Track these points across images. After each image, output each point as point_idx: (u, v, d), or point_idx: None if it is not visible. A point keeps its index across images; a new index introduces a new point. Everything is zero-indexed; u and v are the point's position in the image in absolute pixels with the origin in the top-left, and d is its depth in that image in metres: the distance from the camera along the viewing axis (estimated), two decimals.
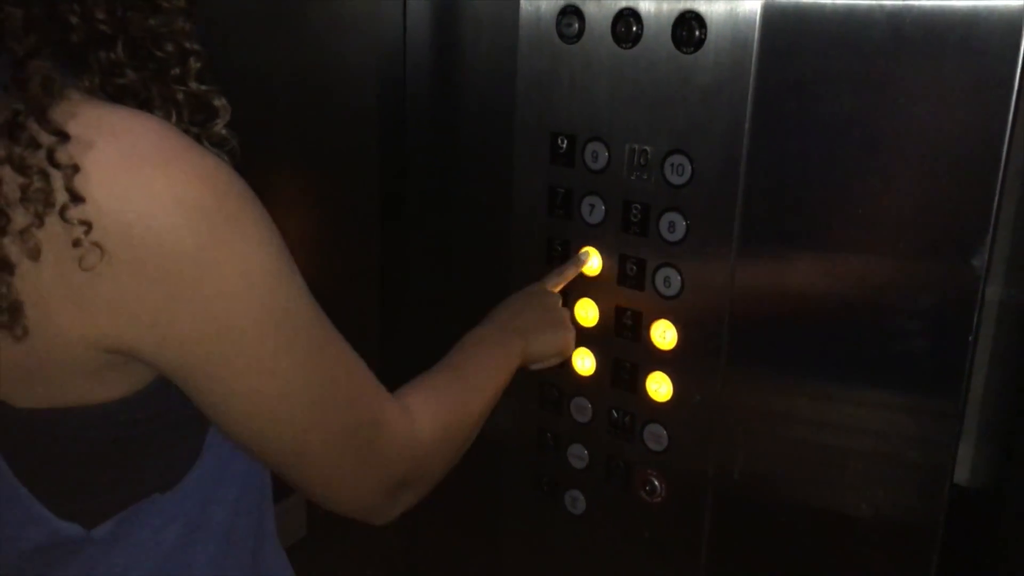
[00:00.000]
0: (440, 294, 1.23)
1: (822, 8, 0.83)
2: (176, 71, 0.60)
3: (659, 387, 1.00)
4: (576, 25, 0.95)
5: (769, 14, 0.85)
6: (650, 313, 0.98)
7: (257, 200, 0.58)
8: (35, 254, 0.51)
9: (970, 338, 0.80)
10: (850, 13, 0.81)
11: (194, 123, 0.61)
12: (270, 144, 1.02)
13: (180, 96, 0.61)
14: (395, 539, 1.27)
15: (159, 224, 0.52)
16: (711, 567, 1.01)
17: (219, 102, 0.63)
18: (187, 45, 0.60)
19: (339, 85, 1.13)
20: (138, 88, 0.58)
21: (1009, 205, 0.82)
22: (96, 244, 0.50)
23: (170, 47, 0.59)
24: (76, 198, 0.50)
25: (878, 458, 0.88)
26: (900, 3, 0.79)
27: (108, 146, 0.51)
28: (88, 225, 0.50)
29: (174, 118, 0.60)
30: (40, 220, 0.50)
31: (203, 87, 0.62)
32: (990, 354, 0.88)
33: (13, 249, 0.51)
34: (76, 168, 0.50)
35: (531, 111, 1.01)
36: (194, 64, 0.60)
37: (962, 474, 0.90)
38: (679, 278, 0.95)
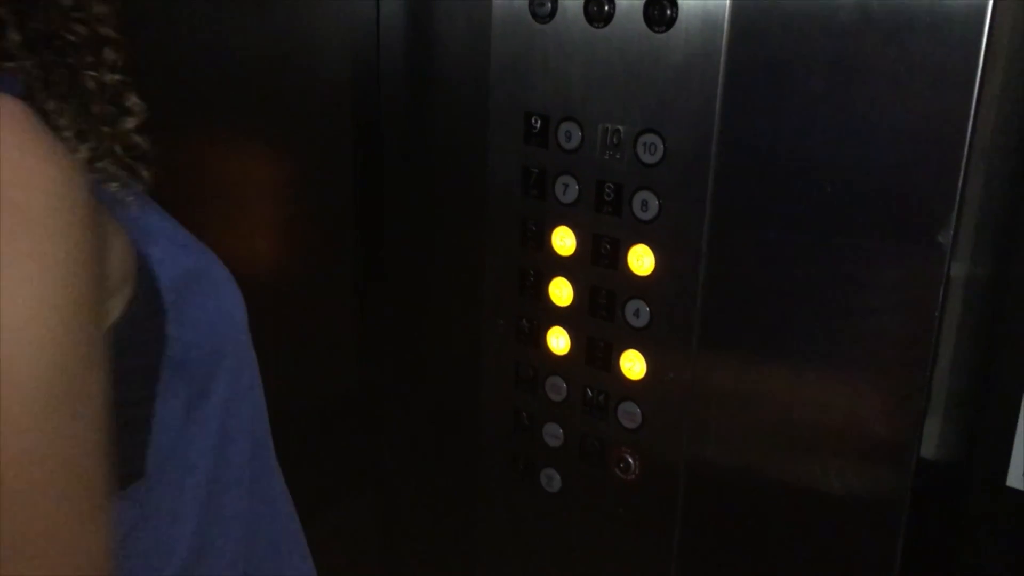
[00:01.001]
0: (416, 275, 1.23)
1: None
2: (89, 58, 0.56)
3: (633, 365, 1.00)
4: (549, 5, 0.96)
5: None
6: (624, 292, 0.99)
7: (72, 230, 0.49)
8: None
9: (936, 314, 0.82)
10: None
11: (104, 121, 0.57)
12: (238, 125, 1.02)
13: (91, 85, 0.56)
14: (368, 517, 1.28)
15: None
16: (685, 542, 1.03)
17: (131, 101, 0.59)
18: (102, 31, 0.56)
19: (311, 69, 1.13)
20: (32, 77, 0.53)
21: (975, 183, 0.83)
22: None
23: (82, 30, 0.55)
24: None
25: (847, 433, 0.89)
26: None
27: None
28: None
29: (72, 110, 0.55)
30: None
31: (116, 78, 0.57)
32: (956, 330, 0.89)
33: None
34: None
35: (505, 91, 1.01)
36: (109, 54, 0.57)
37: (929, 448, 0.92)
38: (652, 257, 0.96)
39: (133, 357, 0.60)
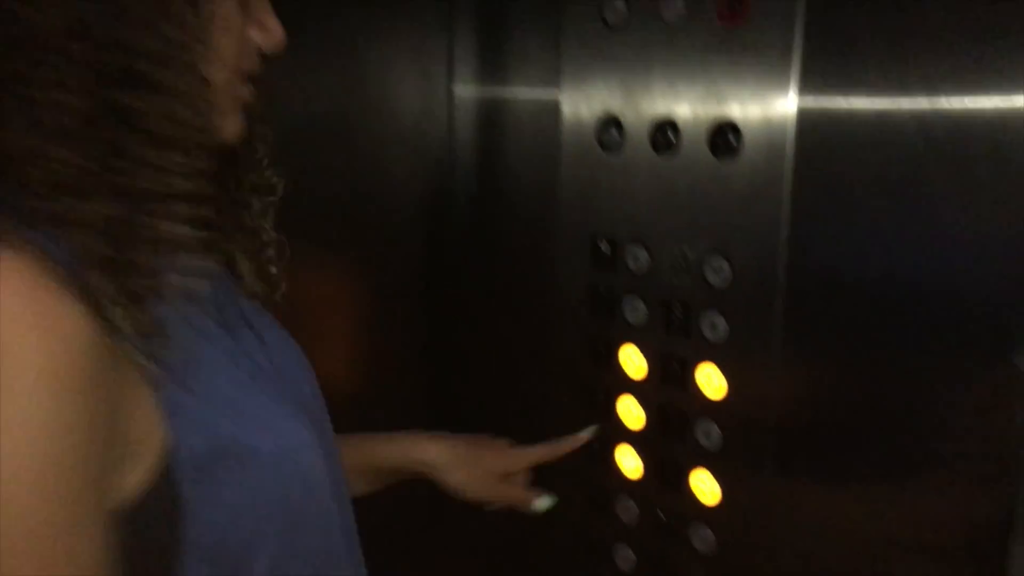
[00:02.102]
0: (485, 391, 1.24)
1: (854, 114, 0.86)
2: (162, 207, 0.55)
3: (706, 487, 0.99)
4: (615, 134, 0.99)
5: (803, 120, 0.88)
6: (694, 413, 0.99)
7: (90, 391, 0.51)
8: None
9: (1019, 436, 0.80)
10: (880, 118, 0.84)
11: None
12: (321, 246, 1.06)
13: (164, 231, 0.56)
14: None
15: None
16: None
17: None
18: (175, 183, 0.55)
19: (388, 192, 1.18)
20: (89, 245, 0.53)
21: None
22: None
23: (170, 182, 0.55)
24: None
25: (927, 559, 0.86)
26: (928, 108, 0.81)
27: None
28: None
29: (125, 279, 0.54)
30: None
31: (184, 233, 0.56)
32: None
33: None
34: None
35: (573, 216, 1.05)
36: (183, 208, 0.56)
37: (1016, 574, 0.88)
38: (722, 377, 0.96)
39: (148, 529, 0.58)
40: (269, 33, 0.66)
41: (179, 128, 0.56)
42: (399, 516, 1.27)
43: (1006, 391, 0.80)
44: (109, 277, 0.53)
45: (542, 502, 0.97)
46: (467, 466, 0.95)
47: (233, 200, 0.72)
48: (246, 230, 0.74)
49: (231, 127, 0.65)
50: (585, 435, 1.01)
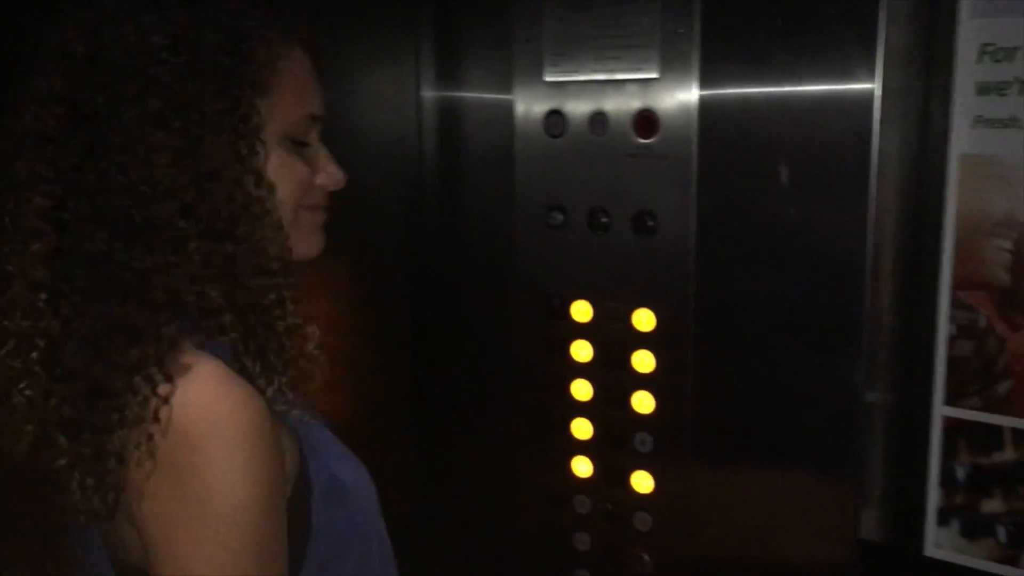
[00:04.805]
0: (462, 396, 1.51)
1: (747, 200, 1.17)
2: (277, 311, 0.81)
3: (642, 482, 1.30)
4: (560, 217, 1.28)
5: (703, 210, 1.19)
6: (631, 427, 1.29)
7: (269, 439, 0.75)
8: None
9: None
10: (767, 217, 1.16)
11: (285, 362, 0.81)
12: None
13: (280, 327, 0.80)
14: None
15: (187, 430, 0.72)
16: None
17: (309, 329, 0.82)
18: (288, 295, 0.81)
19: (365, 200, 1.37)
20: (236, 341, 0.79)
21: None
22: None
23: (272, 296, 0.80)
24: (157, 420, 0.72)
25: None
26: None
27: (182, 382, 0.73)
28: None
29: (265, 360, 0.80)
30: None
31: (296, 321, 0.82)
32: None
33: (128, 443, 0.72)
34: (166, 400, 0.72)
35: (526, 281, 1.34)
36: (289, 306, 0.81)
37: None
38: (653, 400, 1.27)
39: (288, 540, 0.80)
40: (333, 177, 0.90)
41: (270, 260, 0.81)
42: None
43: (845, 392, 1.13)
44: (254, 362, 0.80)
45: None
46: None
47: None
48: None
49: (309, 247, 0.90)
50: None
